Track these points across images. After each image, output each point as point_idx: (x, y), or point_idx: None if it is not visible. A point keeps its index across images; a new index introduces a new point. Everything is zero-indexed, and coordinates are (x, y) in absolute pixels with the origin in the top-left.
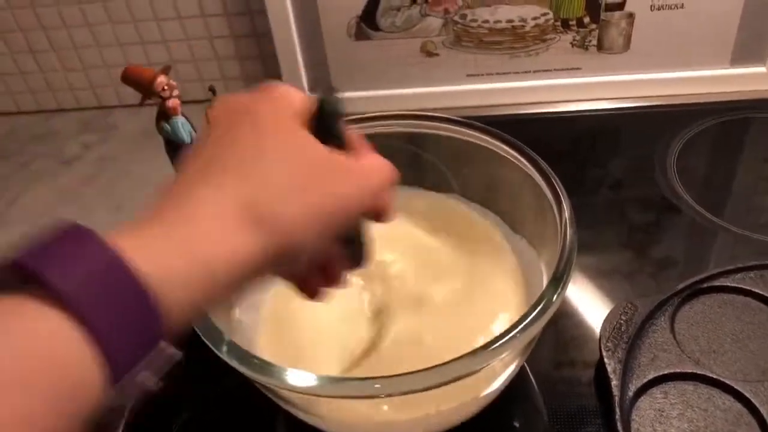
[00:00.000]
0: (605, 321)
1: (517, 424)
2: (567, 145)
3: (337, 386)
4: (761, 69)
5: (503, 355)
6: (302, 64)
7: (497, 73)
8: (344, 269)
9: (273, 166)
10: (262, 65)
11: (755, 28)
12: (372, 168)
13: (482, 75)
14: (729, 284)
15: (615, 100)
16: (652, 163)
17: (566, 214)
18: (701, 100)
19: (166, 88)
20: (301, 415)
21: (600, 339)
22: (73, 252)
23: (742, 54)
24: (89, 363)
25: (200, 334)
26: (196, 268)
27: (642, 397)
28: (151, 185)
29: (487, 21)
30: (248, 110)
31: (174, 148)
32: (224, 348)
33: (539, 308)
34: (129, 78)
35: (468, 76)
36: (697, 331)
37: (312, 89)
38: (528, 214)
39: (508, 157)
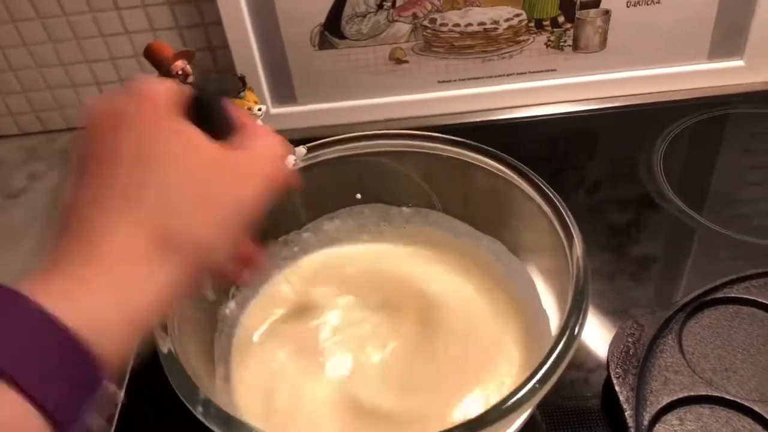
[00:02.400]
0: (612, 345)
1: None
2: (545, 150)
3: None
4: (739, 62)
5: (512, 416)
6: (263, 77)
7: (470, 78)
8: (259, 250)
9: (167, 181)
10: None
11: (732, 21)
12: (265, 151)
13: (454, 81)
14: (734, 295)
15: (593, 101)
16: (636, 164)
17: (578, 252)
18: (680, 97)
19: (180, 72)
20: None
21: (608, 365)
22: (1, 316)
23: (720, 48)
24: (36, 426)
25: (176, 389)
26: (124, 315)
27: (657, 426)
28: None
29: (458, 24)
30: (120, 114)
31: None
32: (200, 408)
33: (547, 366)
34: (149, 53)
35: (439, 82)
36: (707, 347)
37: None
38: (536, 247)
39: (517, 184)
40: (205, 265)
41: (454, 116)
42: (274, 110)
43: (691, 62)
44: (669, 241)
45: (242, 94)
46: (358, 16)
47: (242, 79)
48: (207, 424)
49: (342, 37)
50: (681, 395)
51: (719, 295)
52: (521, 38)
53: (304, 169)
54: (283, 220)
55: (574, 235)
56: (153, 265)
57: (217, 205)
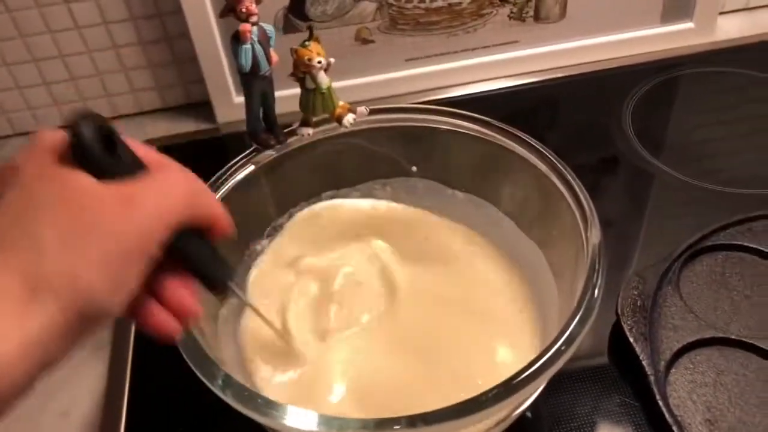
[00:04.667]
0: (621, 298)
1: None
2: (515, 121)
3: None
4: (689, 25)
5: (539, 381)
6: (226, 64)
7: (435, 55)
8: (191, 295)
9: (42, 224)
10: (177, 72)
11: None
12: (167, 184)
13: (420, 58)
14: (721, 242)
15: (555, 71)
16: (607, 127)
17: (595, 240)
18: (638, 61)
19: (244, 10)
20: None
21: (619, 317)
22: None
23: (671, 12)
24: None
25: (192, 365)
26: None
27: (672, 370)
28: None
29: (423, 1)
30: (12, 167)
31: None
32: (219, 382)
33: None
34: None
35: (406, 61)
36: (705, 293)
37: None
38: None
39: (533, 163)
40: (94, 308)
41: (421, 94)
42: (237, 99)
43: (646, 27)
44: (649, 197)
45: (307, 43)
46: None
47: (310, 29)
48: (227, 401)
49: (306, 19)
50: (690, 340)
51: (708, 243)
52: (485, 12)
53: (361, 132)
54: (335, 179)
55: (588, 216)
56: (24, 310)
57: (92, 242)
